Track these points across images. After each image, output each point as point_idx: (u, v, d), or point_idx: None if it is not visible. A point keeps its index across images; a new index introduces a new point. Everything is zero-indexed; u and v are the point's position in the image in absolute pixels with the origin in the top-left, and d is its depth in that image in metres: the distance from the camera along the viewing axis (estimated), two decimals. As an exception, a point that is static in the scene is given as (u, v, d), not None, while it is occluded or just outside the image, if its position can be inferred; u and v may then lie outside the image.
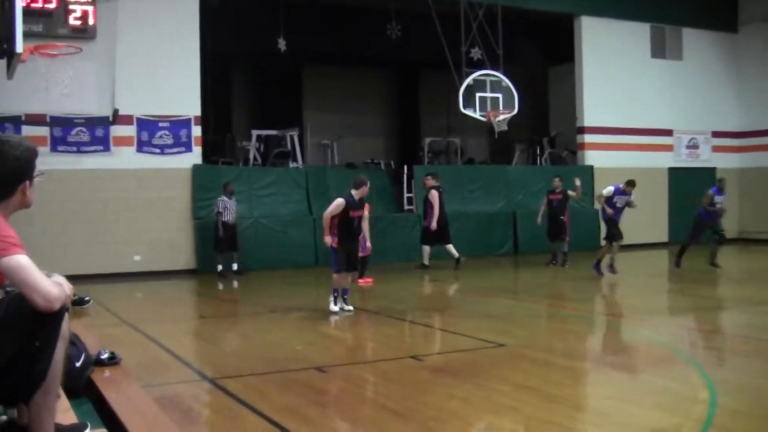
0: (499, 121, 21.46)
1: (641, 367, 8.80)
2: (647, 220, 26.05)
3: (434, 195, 19.63)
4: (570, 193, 19.99)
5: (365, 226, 15.19)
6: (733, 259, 24.66)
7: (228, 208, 19.28)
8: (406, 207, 23.64)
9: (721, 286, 17.65)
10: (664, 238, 26.74)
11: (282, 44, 24.02)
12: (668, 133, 27.47)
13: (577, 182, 19.86)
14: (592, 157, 25.91)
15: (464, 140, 29.81)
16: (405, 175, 24.01)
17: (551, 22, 26.85)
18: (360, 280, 16.28)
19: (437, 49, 21.87)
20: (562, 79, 29.17)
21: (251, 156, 23.84)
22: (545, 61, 31.07)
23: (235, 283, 18.24)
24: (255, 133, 24.24)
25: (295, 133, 24.16)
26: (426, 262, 19.66)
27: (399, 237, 22.18)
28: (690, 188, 27.40)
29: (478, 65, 22.10)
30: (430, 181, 20.08)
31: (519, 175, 25.29)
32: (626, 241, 24.79)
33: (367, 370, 9.04)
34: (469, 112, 21.33)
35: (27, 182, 4.36)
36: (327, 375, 8.76)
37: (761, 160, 28.25)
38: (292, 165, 23.59)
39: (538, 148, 28.18)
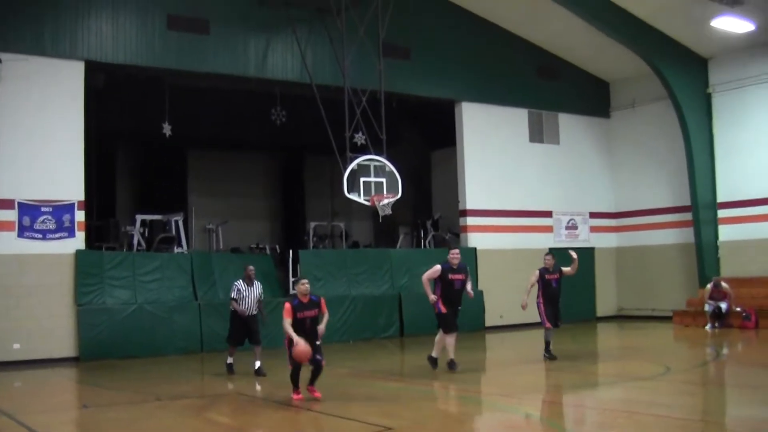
0: (383, 205, 21.70)
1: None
2: (530, 299, 26.55)
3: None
4: (565, 269, 17.79)
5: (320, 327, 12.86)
6: (613, 335, 25.35)
7: (244, 296, 16.06)
8: (291, 291, 23.59)
9: (601, 363, 18.09)
10: (546, 317, 27.26)
11: (167, 129, 23.96)
12: (548, 214, 28.26)
13: (574, 255, 17.75)
14: (474, 239, 26.41)
15: (349, 224, 30.07)
16: (290, 260, 24.00)
17: (433, 107, 27.50)
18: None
19: (322, 133, 22.12)
20: (444, 163, 29.82)
21: (135, 241, 23.55)
22: (428, 146, 31.76)
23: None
24: (139, 217, 24.00)
25: (179, 218, 24.01)
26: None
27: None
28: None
29: (362, 150, 22.41)
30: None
31: (403, 258, 25.53)
32: (510, 320, 25.38)
33: (254, 457, 8.97)
34: (353, 197, 21.52)
35: None
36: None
37: (635, 239, 29.28)
38: (177, 250, 23.40)
39: (422, 231, 28.58)
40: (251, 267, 16.51)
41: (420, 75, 25.39)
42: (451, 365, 15.62)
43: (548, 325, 17.35)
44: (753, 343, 20.82)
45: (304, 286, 12.76)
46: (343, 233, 29.39)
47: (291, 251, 24.26)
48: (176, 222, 23.95)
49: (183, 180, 28.60)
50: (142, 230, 23.94)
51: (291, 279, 23.58)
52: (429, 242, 28.15)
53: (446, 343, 15.64)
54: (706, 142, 26.76)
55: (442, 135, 28.52)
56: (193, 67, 22.14)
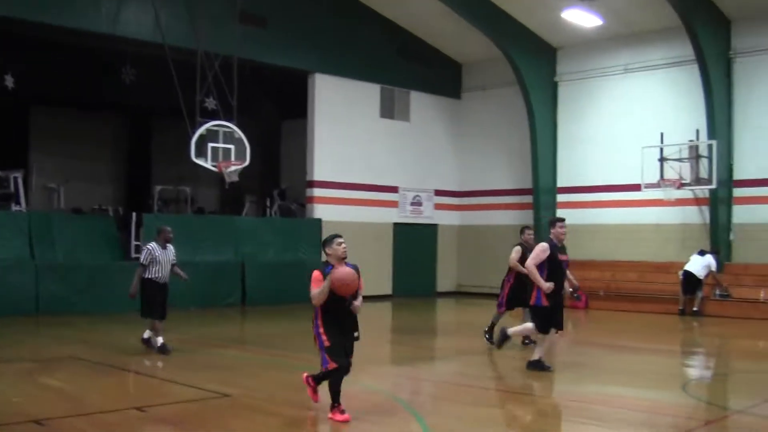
0: (229, 171, 21.62)
1: (362, 416, 9.14)
2: (373, 273, 26.94)
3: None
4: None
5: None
6: (451, 311, 25.96)
7: (158, 261, 14.05)
8: (133, 255, 23.14)
9: (439, 337, 18.54)
10: (389, 291, 27.74)
11: (9, 81, 23.11)
12: (394, 189, 28.62)
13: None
14: (320, 211, 26.53)
15: (195, 189, 29.74)
16: (133, 223, 23.55)
17: (286, 77, 27.41)
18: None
19: (172, 96, 21.76)
20: (294, 134, 29.81)
21: (-31, 197, 22.71)
22: (279, 115, 31.67)
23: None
24: (-25, 172, 23.14)
25: (19, 175, 23.24)
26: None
27: (126, 286, 21.52)
28: (413, 243, 28.73)
29: (212, 115, 22.21)
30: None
31: (248, 226, 25.47)
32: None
33: (88, 423, 8.87)
34: (200, 162, 21.34)
35: None
36: (46, 428, 8.54)
37: (477, 218, 30.03)
38: (14, 208, 22.64)
39: (269, 200, 28.53)
40: (169, 228, 14.49)
41: (275, 44, 25.22)
42: (538, 365, 12.49)
43: (503, 309, 15.59)
44: (582, 323, 21.68)
45: (342, 246, 9.11)
46: (189, 198, 29.06)
47: (134, 214, 23.80)
48: (15, 179, 23.18)
49: (24, 136, 27.64)
50: (-23, 186, 23.11)
51: (133, 242, 23.16)
52: (275, 212, 28.13)
53: (547, 341, 12.61)
54: (550, 129, 27.67)
55: (294, 105, 28.45)
56: (39, 19, 21.26)
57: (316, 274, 8.94)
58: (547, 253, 12.11)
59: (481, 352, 15.02)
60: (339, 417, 8.93)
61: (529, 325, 12.75)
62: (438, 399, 10.94)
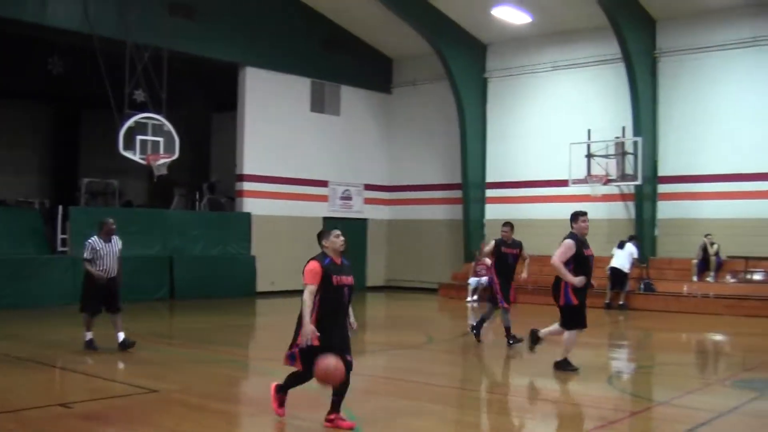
0: (158, 164, 21.41)
1: (292, 411, 9.14)
2: (301, 268, 26.82)
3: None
4: (525, 253, 15.21)
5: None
6: (381, 305, 26.03)
7: (101, 255, 13.44)
8: (59, 248, 22.80)
9: (369, 331, 18.56)
10: (317, 285, 27.66)
11: (-71, 69, 22.57)
12: (324, 183, 28.61)
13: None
14: (250, 205, 26.43)
15: (123, 182, 29.36)
16: (60, 216, 23.16)
17: (217, 70, 27.18)
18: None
19: (101, 88, 21.47)
20: (224, 127, 29.63)
21: None
22: (209, 108, 31.39)
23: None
24: None
25: (-62, 166, 22.74)
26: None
27: (52, 280, 21.31)
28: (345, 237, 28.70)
29: (142, 107, 21.96)
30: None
31: (177, 220, 25.24)
32: (281, 287, 25.54)
33: (10, 419, 8.70)
34: (128, 155, 21.09)
35: None
36: (-32, 424, 8.40)
37: (407, 212, 30.18)
38: (-65, 200, 22.18)
39: (198, 193, 28.30)
40: (111, 220, 13.79)
41: (206, 36, 25.01)
42: (566, 365, 12.11)
43: (506, 305, 15.09)
44: (510, 318, 21.84)
45: (340, 239, 8.57)
46: (117, 191, 28.67)
47: (61, 207, 23.40)
48: (-65, 170, 22.68)
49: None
50: None
51: (60, 236, 22.78)
52: (204, 205, 27.91)
53: (567, 341, 12.04)
54: (480, 125, 27.91)
55: (225, 98, 28.22)
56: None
57: (313, 265, 8.41)
58: (574, 250, 11.55)
59: (410, 346, 15.10)
60: (276, 409, 8.81)
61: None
62: (367, 392, 10.96)
